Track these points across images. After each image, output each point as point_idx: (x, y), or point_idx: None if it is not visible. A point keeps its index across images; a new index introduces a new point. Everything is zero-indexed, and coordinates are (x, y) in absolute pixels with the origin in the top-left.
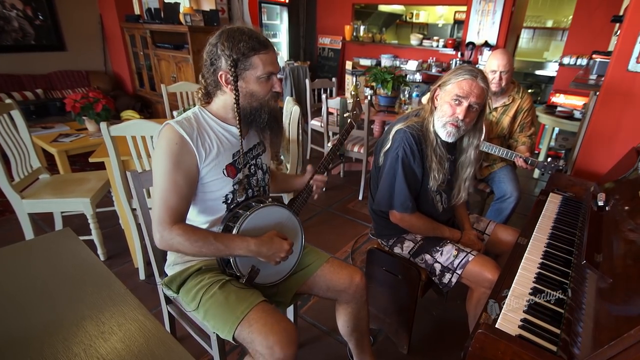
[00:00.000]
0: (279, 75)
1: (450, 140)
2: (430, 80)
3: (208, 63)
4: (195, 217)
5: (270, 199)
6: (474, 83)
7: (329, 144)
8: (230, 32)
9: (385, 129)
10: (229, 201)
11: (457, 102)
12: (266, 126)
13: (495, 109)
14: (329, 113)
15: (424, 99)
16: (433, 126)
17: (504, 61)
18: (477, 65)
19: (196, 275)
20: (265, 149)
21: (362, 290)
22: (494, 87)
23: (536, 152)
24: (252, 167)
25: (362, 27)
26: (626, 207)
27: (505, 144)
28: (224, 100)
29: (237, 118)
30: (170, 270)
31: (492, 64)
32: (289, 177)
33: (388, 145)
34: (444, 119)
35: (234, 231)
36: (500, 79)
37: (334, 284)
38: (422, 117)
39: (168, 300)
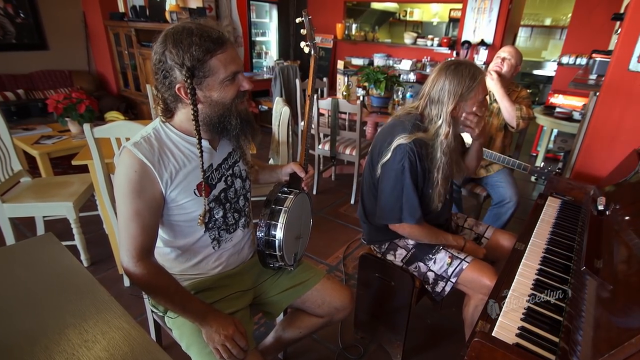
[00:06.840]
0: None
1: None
2: (424, 81)
3: (160, 76)
4: (172, 240)
5: (281, 191)
6: (484, 78)
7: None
8: (176, 35)
9: (382, 129)
10: (206, 220)
11: (481, 103)
12: (239, 132)
13: (496, 99)
14: (319, 114)
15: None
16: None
17: (512, 51)
18: None
19: None
20: (242, 154)
21: (349, 313)
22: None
23: (534, 154)
24: (229, 178)
25: (354, 26)
26: (627, 212)
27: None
28: (186, 113)
29: (198, 136)
30: None
31: (501, 52)
32: (274, 169)
33: (387, 157)
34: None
35: (279, 228)
36: (502, 62)
37: (331, 299)
38: (431, 133)
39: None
